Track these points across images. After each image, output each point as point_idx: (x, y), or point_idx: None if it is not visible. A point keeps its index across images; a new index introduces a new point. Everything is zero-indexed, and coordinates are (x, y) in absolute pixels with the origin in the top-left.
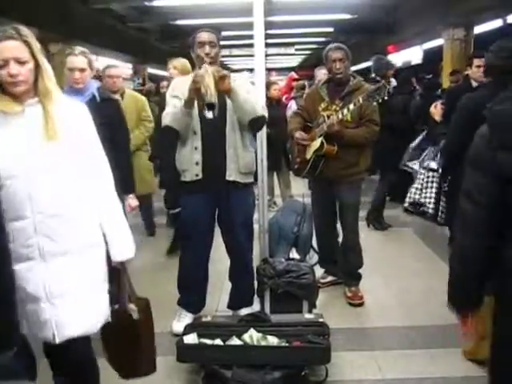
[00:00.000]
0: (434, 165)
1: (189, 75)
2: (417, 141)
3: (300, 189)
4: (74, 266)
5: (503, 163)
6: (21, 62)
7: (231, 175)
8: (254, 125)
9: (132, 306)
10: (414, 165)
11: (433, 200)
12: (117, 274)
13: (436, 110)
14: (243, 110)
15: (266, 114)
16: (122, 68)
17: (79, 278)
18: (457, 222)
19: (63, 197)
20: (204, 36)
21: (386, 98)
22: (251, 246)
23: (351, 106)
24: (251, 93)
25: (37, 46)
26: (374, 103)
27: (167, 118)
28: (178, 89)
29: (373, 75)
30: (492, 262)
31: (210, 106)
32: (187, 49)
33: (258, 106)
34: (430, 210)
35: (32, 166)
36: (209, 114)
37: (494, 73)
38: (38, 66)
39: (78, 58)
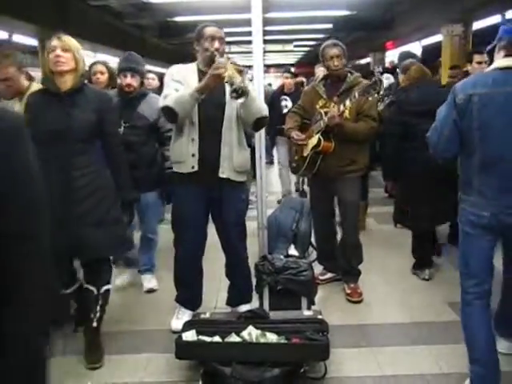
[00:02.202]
0: None
1: (189, 64)
2: None
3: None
4: None
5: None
6: None
7: (224, 172)
8: (258, 124)
9: None
10: None
11: None
12: None
13: None
14: (251, 108)
15: (267, 113)
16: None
17: None
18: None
19: None
20: (214, 30)
21: (381, 92)
22: (245, 243)
23: (347, 102)
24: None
25: None
26: (370, 98)
27: (169, 100)
28: (178, 74)
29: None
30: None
31: (243, 93)
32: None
33: (263, 105)
34: None
35: None
36: (239, 100)
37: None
38: None
39: None
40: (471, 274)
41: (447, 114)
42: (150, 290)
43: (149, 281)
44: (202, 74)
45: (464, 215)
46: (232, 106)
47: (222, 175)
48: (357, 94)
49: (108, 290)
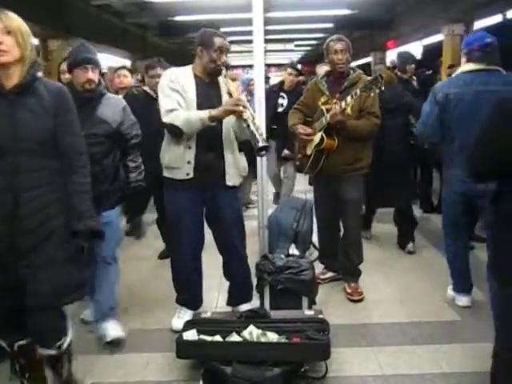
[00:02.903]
0: None
1: (185, 68)
2: None
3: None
4: None
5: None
6: None
7: (231, 180)
8: (245, 143)
9: None
10: None
11: None
12: None
13: None
14: (243, 132)
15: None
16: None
17: None
18: None
19: None
20: (224, 42)
21: (382, 88)
22: (244, 241)
23: (349, 99)
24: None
25: None
26: (372, 94)
27: (177, 119)
28: (177, 82)
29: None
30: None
31: (265, 148)
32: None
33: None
34: None
35: None
36: (262, 153)
37: None
38: None
39: None
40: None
41: (431, 109)
42: (116, 341)
43: (113, 328)
44: (198, 79)
45: (449, 186)
46: (228, 121)
47: (228, 183)
48: (358, 91)
49: (69, 346)
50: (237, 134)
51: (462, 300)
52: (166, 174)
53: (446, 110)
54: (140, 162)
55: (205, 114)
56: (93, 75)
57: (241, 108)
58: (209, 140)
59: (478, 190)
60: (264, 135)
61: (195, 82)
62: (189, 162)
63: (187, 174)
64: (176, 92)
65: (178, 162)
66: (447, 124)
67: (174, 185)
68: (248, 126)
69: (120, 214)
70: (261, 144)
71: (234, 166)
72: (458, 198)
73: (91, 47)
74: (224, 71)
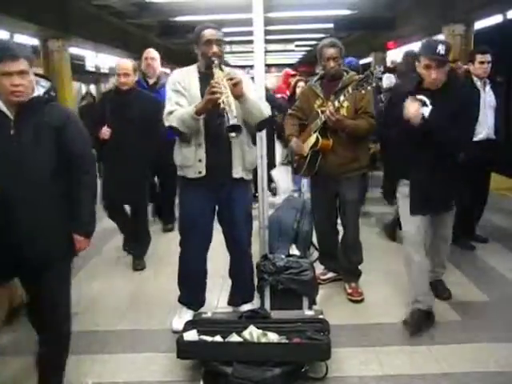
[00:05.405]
0: None
1: (190, 67)
2: None
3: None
4: None
5: None
6: None
7: (238, 173)
8: (260, 126)
9: None
10: None
11: None
12: None
13: None
14: (252, 114)
15: (270, 112)
16: None
17: None
18: None
19: None
20: (211, 34)
21: (374, 84)
22: (251, 240)
23: (341, 98)
24: (256, 92)
25: None
26: (363, 91)
27: (173, 121)
28: (178, 82)
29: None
30: None
31: (236, 128)
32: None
33: (264, 107)
34: None
35: None
36: (232, 135)
37: None
38: None
39: None
40: None
41: None
42: None
43: None
44: (202, 75)
45: None
46: (242, 112)
47: (235, 176)
48: (350, 89)
49: None
50: (247, 120)
51: None
52: (180, 172)
53: None
54: None
55: (192, 109)
56: None
57: (217, 96)
58: (217, 137)
59: None
60: (235, 114)
61: (199, 79)
62: (200, 160)
63: (199, 173)
64: (176, 92)
65: (190, 160)
66: None
67: (187, 183)
68: (224, 108)
69: None
70: (231, 122)
71: (241, 158)
72: None
73: None
74: (216, 61)
